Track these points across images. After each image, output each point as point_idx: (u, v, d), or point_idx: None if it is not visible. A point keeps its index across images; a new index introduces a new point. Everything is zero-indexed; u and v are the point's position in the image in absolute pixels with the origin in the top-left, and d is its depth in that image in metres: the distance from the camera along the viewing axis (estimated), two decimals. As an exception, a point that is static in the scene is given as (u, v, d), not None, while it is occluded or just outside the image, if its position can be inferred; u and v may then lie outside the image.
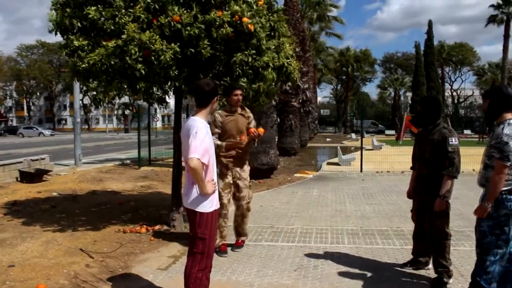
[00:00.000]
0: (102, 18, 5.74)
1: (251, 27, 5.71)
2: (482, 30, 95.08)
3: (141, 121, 18.35)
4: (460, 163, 4.53)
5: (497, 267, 3.77)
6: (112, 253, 5.53)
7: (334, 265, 5.16)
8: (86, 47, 5.83)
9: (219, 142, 5.48)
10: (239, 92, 5.58)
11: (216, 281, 4.63)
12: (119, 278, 4.76)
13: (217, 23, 5.59)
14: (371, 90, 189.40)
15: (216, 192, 3.72)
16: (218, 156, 5.17)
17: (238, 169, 5.63)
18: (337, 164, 17.14)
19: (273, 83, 6.40)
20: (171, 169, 14.63)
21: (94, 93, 6.42)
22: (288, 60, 6.43)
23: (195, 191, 3.60)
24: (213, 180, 3.66)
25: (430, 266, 4.81)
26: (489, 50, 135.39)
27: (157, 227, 6.76)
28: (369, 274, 4.84)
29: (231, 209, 5.87)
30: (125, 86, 6.13)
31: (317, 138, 41.93)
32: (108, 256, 5.42)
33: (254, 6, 5.98)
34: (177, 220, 6.78)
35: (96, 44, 5.80)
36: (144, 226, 6.79)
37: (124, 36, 5.37)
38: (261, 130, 5.61)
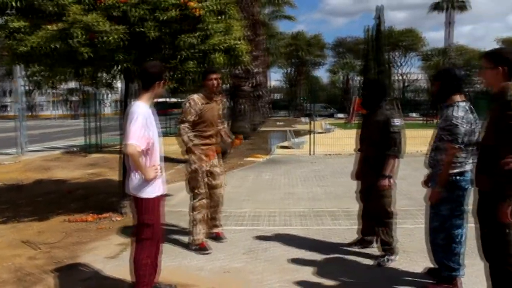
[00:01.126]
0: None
1: (198, 12, 5.62)
2: (429, 16, 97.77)
3: (90, 106, 17.81)
4: (403, 144, 4.64)
5: (462, 247, 3.91)
6: (58, 244, 5.39)
7: (284, 247, 5.23)
8: (25, 29, 5.55)
9: (192, 143, 5.00)
10: (215, 76, 5.06)
11: (166, 267, 4.57)
12: (65, 268, 4.64)
13: (163, 5, 5.47)
14: (323, 74, 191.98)
15: (161, 178, 3.64)
16: (196, 144, 5.03)
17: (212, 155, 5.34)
18: (288, 147, 17.31)
19: (223, 67, 6.35)
20: (122, 156, 14.40)
21: (37, 77, 6.17)
22: (237, 42, 6.37)
23: (137, 177, 3.53)
24: (155, 165, 3.58)
25: (376, 244, 4.96)
26: (435, 35, 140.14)
27: (105, 215, 6.62)
28: (317, 255, 4.94)
29: None
30: (70, 71, 5.92)
31: (269, 122, 42.12)
32: (54, 247, 5.27)
33: (200, -11, 5.89)
34: (127, 207, 6.66)
35: (36, 26, 5.54)
36: (93, 214, 6.63)
37: (68, 18, 5.14)
38: (237, 142, 5.48)
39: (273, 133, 29.19)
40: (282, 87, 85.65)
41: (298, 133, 24.08)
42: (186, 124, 4.99)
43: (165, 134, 22.75)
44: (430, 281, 4.08)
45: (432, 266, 4.30)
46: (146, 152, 3.50)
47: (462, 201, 3.86)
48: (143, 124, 3.41)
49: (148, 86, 3.61)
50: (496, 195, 2.92)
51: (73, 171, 11.44)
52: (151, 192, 3.56)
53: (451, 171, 3.77)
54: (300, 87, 64.54)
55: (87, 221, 6.34)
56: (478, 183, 3.24)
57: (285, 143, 18.81)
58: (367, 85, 4.85)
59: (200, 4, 5.71)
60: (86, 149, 15.75)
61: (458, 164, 3.78)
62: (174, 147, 15.97)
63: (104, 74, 6.46)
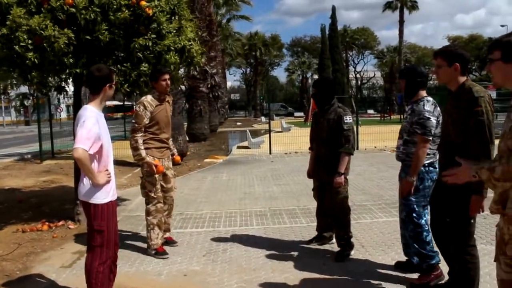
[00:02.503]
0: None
1: (150, 11, 5.54)
2: (381, 15, 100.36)
3: (43, 111, 17.24)
4: (355, 140, 4.72)
5: (430, 234, 3.99)
6: (8, 255, 5.15)
7: (242, 247, 5.23)
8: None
9: (148, 159, 4.87)
10: (167, 76, 4.97)
11: (123, 273, 4.51)
12: (16, 281, 4.45)
13: (114, 6, 5.36)
14: (280, 73, 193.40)
15: (112, 183, 3.55)
16: (150, 148, 4.96)
17: (166, 159, 5.25)
18: (247, 147, 17.34)
19: (177, 67, 6.28)
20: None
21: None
22: (190, 43, 6.32)
23: (87, 183, 3.43)
24: (107, 170, 3.50)
25: (334, 240, 5.02)
26: (388, 34, 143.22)
27: (60, 223, 6.41)
28: (276, 253, 4.96)
29: None
30: (15, 76, 5.71)
31: (227, 123, 42.11)
32: (4, 259, 5.04)
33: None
34: (82, 214, 6.46)
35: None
36: (46, 223, 6.40)
37: (8, 23, 4.93)
38: (177, 158, 5.44)
39: (232, 134, 29.21)
40: (240, 88, 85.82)
41: (257, 133, 24.19)
42: (139, 134, 4.90)
43: (123, 137, 22.42)
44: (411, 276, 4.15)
45: (400, 260, 4.47)
46: (96, 156, 3.41)
47: (429, 192, 3.97)
48: (91, 128, 3.31)
49: (96, 91, 3.50)
50: (465, 188, 2.97)
51: (25, 179, 11.01)
52: (101, 197, 3.46)
53: (422, 163, 3.89)
54: (258, 87, 64.78)
55: (41, 230, 6.11)
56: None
57: (244, 143, 18.83)
58: (317, 83, 4.89)
59: (151, 3, 5.62)
60: (39, 156, 15.19)
61: (428, 156, 3.91)
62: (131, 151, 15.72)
63: (54, 78, 6.24)
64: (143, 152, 4.86)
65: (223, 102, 36.86)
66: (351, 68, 67.87)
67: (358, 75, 70.52)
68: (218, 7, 40.83)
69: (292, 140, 17.22)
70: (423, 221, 4.00)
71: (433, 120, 3.85)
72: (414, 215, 3.99)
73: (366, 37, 64.91)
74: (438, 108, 3.95)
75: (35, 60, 5.10)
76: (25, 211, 7.40)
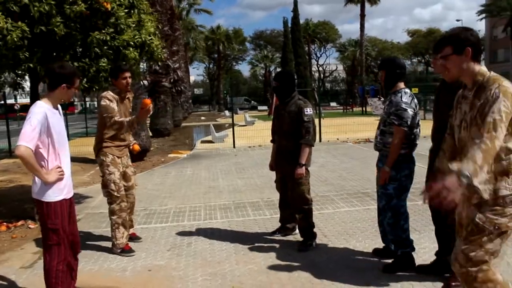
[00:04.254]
0: None
1: (107, 5, 5.45)
2: (343, 9, 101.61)
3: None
4: (315, 132, 4.80)
5: (407, 223, 4.13)
6: (-36, 258, 5.01)
7: (207, 240, 5.24)
8: None
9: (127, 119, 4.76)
10: (127, 74, 4.84)
11: (87, 271, 4.46)
12: (-26, 283, 4.34)
13: (70, -1, 5.25)
14: (244, 67, 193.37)
15: (66, 180, 3.47)
16: (109, 147, 4.87)
17: (125, 156, 5.16)
18: (211, 141, 17.31)
19: (136, 63, 6.21)
20: (34, 159, 13.63)
21: None
22: (150, 38, 6.27)
23: (38, 181, 3.35)
24: (59, 167, 3.40)
25: (297, 231, 5.11)
26: (350, 28, 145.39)
27: (20, 223, 6.24)
28: (240, 246, 5.00)
29: None
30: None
31: (191, 117, 41.82)
32: (-40, 261, 4.90)
33: (109, -18, 5.70)
34: (42, 212, 6.34)
35: None
36: (4, 223, 6.22)
37: None
38: (136, 147, 5.34)
39: (196, 128, 29.07)
40: (204, 82, 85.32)
41: (221, 127, 24.14)
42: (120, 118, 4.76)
43: (84, 134, 21.97)
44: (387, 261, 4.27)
45: (377, 247, 4.60)
46: (46, 153, 3.33)
47: (408, 180, 4.09)
48: (37, 125, 3.22)
49: (54, 87, 3.41)
50: None
51: (-19, 179, 10.66)
52: (53, 195, 3.39)
53: (399, 152, 3.98)
54: (221, 81, 64.57)
55: (-1, 231, 5.96)
56: None
57: (208, 138, 18.77)
58: (278, 77, 4.93)
59: (109, -2, 5.53)
60: (-3, 155, 14.70)
61: (405, 146, 4.00)
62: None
63: (9, 74, 6.08)
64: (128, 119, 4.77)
65: (186, 96, 36.63)
66: (313, 61, 68.44)
67: (320, 68, 71.21)
68: (179, 0, 40.44)
69: (256, 133, 17.29)
70: (402, 209, 4.11)
71: (410, 111, 3.94)
72: (393, 203, 4.08)
73: (327, 30, 65.56)
74: (416, 100, 4.06)
75: None
76: (-19, 212, 7.18)
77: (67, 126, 20.80)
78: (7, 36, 4.90)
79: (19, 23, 5.00)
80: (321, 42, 67.80)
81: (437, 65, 3.46)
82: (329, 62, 72.36)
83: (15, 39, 4.95)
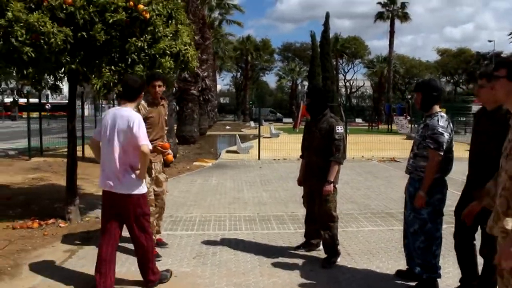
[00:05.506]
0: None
1: (147, 15, 5.60)
2: (372, 25, 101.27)
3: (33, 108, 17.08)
4: (346, 150, 4.83)
5: (439, 249, 4.11)
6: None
7: (231, 251, 5.30)
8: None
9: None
10: (158, 83, 5.04)
11: (116, 272, 4.54)
12: (7, 278, 4.46)
13: (112, 7, 5.42)
14: (271, 78, 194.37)
15: None
16: None
17: (159, 162, 5.29)
18: (236, 152, 17.41)
19: (171, 71, 6.34)
20: (65, 160, 13.91)
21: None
22: (185, 48, 6.39)
23: (131, 176, 3.90)
24: None
25: (321, 247, 5.12)
26: (378, 44, 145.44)
27: (51, 221, 6.41)
28: (265, 258, 5.04)
29: None
30: (12, 72, 5.73)
31: (216, 126, 42.11)
32: (-5, 255, 5.06)
33: (150, -8, 5.86)
34: (73, 213, 6.52)
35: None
36: (37, 220, 6.40)
37: (9, 15, 4.97)
38: (166, 145, 5.44)
39: (221, 138, 29.26)
40: (230, 91, 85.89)
41: (245, 138, 24.26)
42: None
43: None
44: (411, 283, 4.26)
45: (400, 268, 4.58)
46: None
47: (441, 204, 4.07)
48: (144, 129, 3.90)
49: (132, 98, 4.08)
50: None
51: (13, 176, 10.93)
52: (144, 189, 4.04)
53: (434, 177, 3.97)
54: (248, 91, 64.94)
55: (31, 228, 6.11)
56: None
57: (233, 148, 18.89)
58: (311, 93, 4.99)
59: (149, 7, 5.69)
60: (27, 153, 15.04)
61: (439, 170, 3.98)
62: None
63: (50, 77, 6.27)
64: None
65: (213, 105, 36.96)
66: (340, 76, 68.35)
67: (347, 84, 71.00)
68: (211, 10, 40.95)
69: (281, 146, 17.35)
70: (437, 234, 4.09)
71: (446, 135, 3.93)
72: (428, 228, 4.06)
73: (357, 46, 65.43)
74: (451, 125, 4.06)
75: (32, 54, 5.13)
76: (13, 208, 7.37)
77: (96, 128, 21.32)
78: (52, 40, 5.09)
79: (64, 28, 5.20)
80: (349, 57, 67.69)
81: (480, 92, 3.47)
82: (356, 78, 72.17)
83: (59, 42, 5.14)
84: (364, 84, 71.68)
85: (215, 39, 43.48)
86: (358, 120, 53.28)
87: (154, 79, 5.04)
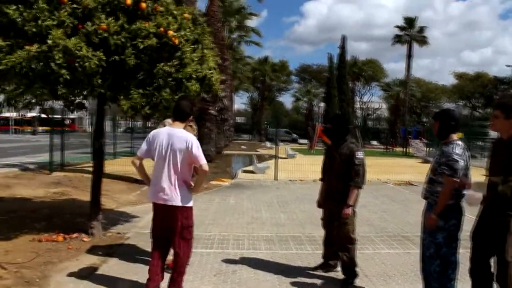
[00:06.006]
0: (22, 19, 5.60)
1: (176, 40, 5.88)
2: (389, 48, 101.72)
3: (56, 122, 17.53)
4: (365, 175, 4.99)
5: (455, 273, 4.22)
6: (27, 263, 5.38)
7: (251, 270, 5.45)
8: (4, 48, 5.64)
9: None
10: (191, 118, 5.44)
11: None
12: (36, 288, 4.68)
13: (143, 33, 5.71)
14: (287, 99, 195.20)
15: None
16: None
17: None
18: (252, 172, 17.58)
19: (197, 94, 6.59)
20: (85, 175, 14.25)
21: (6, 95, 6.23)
22: (211, 72, 6.65)
23: (186, 190, 4.43)
24: None
25: (339, 268, 5.26)
26: (396, 67, 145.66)
27: (74, 235, 6.63)
28: (284, 278, 5.19)
29: None
30: (45, 91, 6.03)
31: (232, 145, 42.36)
32: (23, 267, 5.27)
33: (179, 19, 6.15)
34: (96, 228, 6.73)
35: (15, 46, 5.63)
36: (61, 234, 6.63)
37: (49, 42, 5.28)
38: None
39: (237, 157, 29.48)
40: (246, 111, 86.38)
41: (261, 158, 24.44)
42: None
43: (128, 153, 22.69)
44: None
45: None
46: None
47: (456, 230, 4.19)
48: None
49: (183, 119, 4.59)
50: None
51: (35, 190, 11.25)
52: (191, 202, 4.55)
53: (448, 202, 4.11)
54: (263, 111, 65.33)
55: (56, 241, 6.34)
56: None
57: (249, 168, 19.07)
58: (333, 119, 5.18)
59: (178, 33, 5.96)
60: (48, 167, 15.39)
61: (454, 196, 4.12)
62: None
63: (79, 96, 6.57)
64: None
65: (229, 124, 37.28)
66: (357, 98, 68.45)
67: (363, 106, 71.01)
68: (231, 31, 41.66)
69: (297, 167, 17.49)
70: (453, 258, 4.20)
71: (462, 163, 4.06)
72: (441, 252, 4.18)
73: (374, 69, 65.64)
74: (468, 153, 4.20)
75: (67, 77, 5.42)
76: (37, 221, 7.62)
77: (114, 144, 21.70)
78: (86, 63, 5.39)
79: (98, 52, 5.50)
80: (366, 80, 67.86)
81: (494, 122, 3.64)
82: (372, 100, 72.20)
83: (93, 66, 5.43)
84: (380, 106, 71.65)
85: (234, 60, 44.01)
86: (374, 142, 53.16)
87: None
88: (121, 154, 22.33)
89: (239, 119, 75.86)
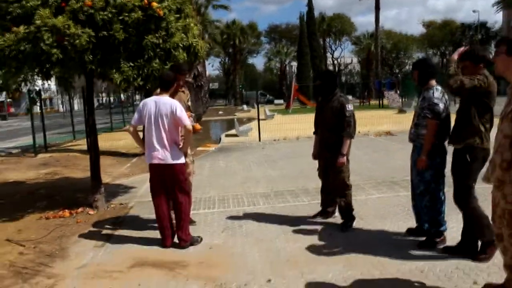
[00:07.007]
0: (5, 1, 5.65)
1: (161, 12, 6.01)
2: (357, 2, 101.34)
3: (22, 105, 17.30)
4: (356, 125, 5.36)
5: (443, 206, 4.69)
6: (42, 239, 5.62)
7: (255, 223, 5.83)
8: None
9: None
10: (182, 77, 5.68)
11: (155, 249, 5.07)
12: (59, 260, 4.94)
13: (128, 7, 5.82)
14: (258, 61, 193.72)
15: None
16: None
17: None
18: (235, 135, 17.89)
19: (184, 62, 6.76)
20: (70, 154, 14.34)
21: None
22: (195, 40, 6.82)
23: (176, 149, 4.96)
24: None
25: (337, 214, 5.69)
26: (363, 20, 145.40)
27: (80, 210, 6.87)
28: (287, 227, 5.59)
29: None
30: (36, 72, 6.13)
31: (209, 112, 42.20)
32: (40, 242, 5.51)
33: (160, -11, 6.26)
34: (99, 201, 6.98)
35: (1, 29, 5.69)
36: (66, 210, 6.86)
37: (38, 22, 5.37)
38: (197, 127, 5.98)
39: (216, 123, 29.68)
40: (219, 76, 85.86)
41: (241, 121, 24.70)
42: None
43: (109, 129, 22.66)
44: (420, 239, 4.81)
45: (410, 227, 5.15)
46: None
47: (442, 167, 4.63)
48: None
49: (167, 88, 5.08)
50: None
51: (25, 173, 11.33)
52: (183, 159, 5.08)
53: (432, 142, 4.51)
54: (236, 75, 65.13)
55: (63, 217, 6.57)
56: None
57: (232, 132, 19.35)
58: (321, 76, 5.48)
59: (162, 4, 6.09)
60: (33, 150, 15.31)
61: (436, 137, 4.52)
62: (122, 142, 16.09)
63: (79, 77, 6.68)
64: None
65: (205, 91, 37.16)
66: (328, 54, 68.67)
67: (335, 62, 71.35)
68: (197, -4, 40.95)
69: (278, 127, 17.89)
70: (440, 194, 4.65)
71: (441, 105, 4.46)
72: (430, 189, 4.62)
73: (342, 24, 65.67)
74: (446, 96, 4.58)
75: (59, 56, 5.55)
76: (38, 201, 7.80)
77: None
78: (77, 41, 5.51)
79: (86, 29, 5.62)
80: (336, 36, 67.93)
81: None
82: (344, 55, 72.50)
83: (83, 42, 5.56)
84: (352, 61, 72.09)
85: (203, 25, 43.44)
86: (349, 97, 53.73)
87: (181, 74, 5.62)
88: (101, 131, 22.30)
89: (212, 85, 75.40)
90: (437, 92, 4.54)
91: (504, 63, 3.03)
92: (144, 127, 5.14)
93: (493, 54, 3.54)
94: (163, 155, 4.93)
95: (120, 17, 5.81)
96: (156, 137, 4.92)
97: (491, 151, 3.27)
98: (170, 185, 5.06)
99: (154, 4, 5.97)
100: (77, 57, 5.78)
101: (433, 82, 4.67)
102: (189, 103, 5.98)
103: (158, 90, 5.54)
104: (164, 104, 4.93)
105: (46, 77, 6.26)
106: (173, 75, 5.20)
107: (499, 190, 2.96)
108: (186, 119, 4.91)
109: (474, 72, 4.11)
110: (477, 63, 4.12)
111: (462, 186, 4.24)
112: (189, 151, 5.81)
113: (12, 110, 54.70)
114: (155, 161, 4.97)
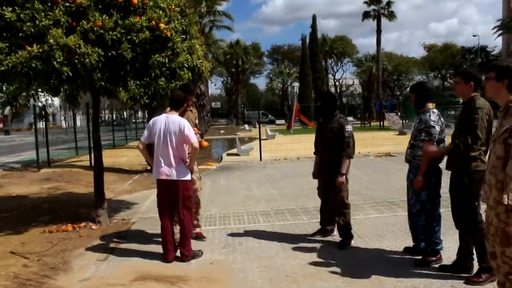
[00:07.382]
0: (19, 21, 5.85)
1: (168, 33, 6.22)
2: (358, 23, 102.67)
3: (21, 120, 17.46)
4: (355, 146, 5.51)
5: (439, 226, 4.82)
6: (46, 252, 5.71)
7: (255, 240, 5.94)
8: (4, 50, 5.87)
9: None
10: (191, 97, 5.98)
11: (158, 263, 5.17)
12: (62, 272, 5.03)
13: (136, 27, 6.03)
14: (260, 81, 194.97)
15: None
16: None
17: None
18: (236, 154, 18.02)
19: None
20: (74, 169, 14.45)
21: (3, 95, 6.49)
22: (200, 61, 7.02)
23: (183, 166, 5.16)
24: None
25: (335, 232, 5.80)
26: (365, 42, 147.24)
27: (82, 224, 6.97)
28: (286, 244, 5.69)
29: None
30: (46, 88, 6.31)
31: (211, 131, 42.45)
32: (43, 255, 5.60)
33: (168, 12, 6.48)
34: (102, 216, 7.09)
35: (14, 47, 5.87)
36: (69, 224, 6.95)
37: (51, 41, 5.56)
38: (204, 143, 6.19)
39: (218, 142, 29.84)
40: (221, 96, 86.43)
41: (242, 141, 24.87)
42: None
43: (111, 146, 22.82)
44: (417, 257, 4.92)
45: (407, 245, 5.26)
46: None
47: (438, 187, 4.77)
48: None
49: (177, 107, 5.33)
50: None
51: (29, 187, 11.43)
52: (189, 175, 5.26)
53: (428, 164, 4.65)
54: (238, 95, 65.56)
55: (66, 231, 6.67)
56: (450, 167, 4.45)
57: (233, 151, 19.49)
58: (322, 97, 5.66)
59: (169, 26, 6.30)
60: (36, 164, 15.41)
61: (433, 158, 4.66)
62: (124, 159, 16.21)
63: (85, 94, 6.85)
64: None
65: (207, 110, 37.45)
66: (330, 76, 69.21)
67: (337, 83, 71.88)
68: (202, 17, 41.52)
69: (279, 147, 18.03)
70: (436, 213, 4.79)
71: (437, 128, 4.62)
72: (428, 208, 4.75)
73: (344, 45, 66.36)
74: (442, 119, 4.77)
75: (70, 73, 5.74)
76: (41, 215, 7.90)
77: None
78: (86, 59, 5.71)
79: (96, 48, 5.82)
80: (338, 57, 68.56)
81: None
82: (345, 77, 73.08)
83: (93, 61, 5.76)
84: (353, 82, 72.62)
85: (206, 45, 43.97)
86: (350, 118, 54.07)
87: (190, 94, 5.85)
88: (104, 147, 22.33)
89: (214, 104, 75.89)
90: (433, 114, 4.70)
91: (494, 88, 3.17)
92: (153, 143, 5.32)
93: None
94: (169, 171, 5.12)
95: (128, 37, 6.03)
96: (164, 154, 5.12)
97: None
98: (174, 200, 5.21)
99: (162, 25, 6.17)
100: (86, 75, 5.98)
101: (430, 105, 4.83)
102: (197, 121, 6.16)
103: (168, 109, 5.74)
104: (173, 122, 5.14)
105: (54, 93, 6.43)
106: (183, 95, 5.43)
107: (492, 209, 3.08)
108: (194, 137, 5.11)
109: (465, 88, 4.32)
110: (467, 80, 4.30)
111: (466, 207, 4.32)
112: (196, 168, 5.97)
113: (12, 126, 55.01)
114: (163, 177, 5.15)
